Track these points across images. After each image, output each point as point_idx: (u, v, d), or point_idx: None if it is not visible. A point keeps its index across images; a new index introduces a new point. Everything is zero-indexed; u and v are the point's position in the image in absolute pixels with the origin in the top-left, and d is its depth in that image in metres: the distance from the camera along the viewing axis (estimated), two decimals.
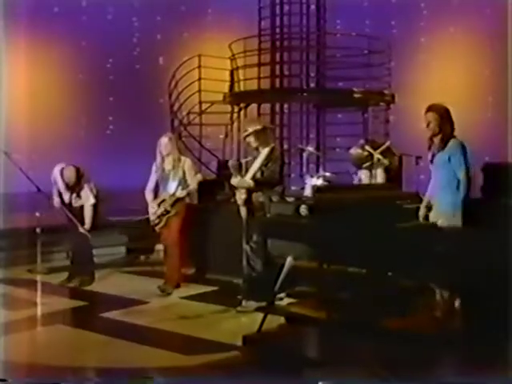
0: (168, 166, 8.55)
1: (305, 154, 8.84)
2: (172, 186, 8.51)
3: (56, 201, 9.00)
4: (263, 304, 7.49)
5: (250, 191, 7.52)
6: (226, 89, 13.70)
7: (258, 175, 7.54)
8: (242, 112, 13.20)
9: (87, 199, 8.95)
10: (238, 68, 13.40)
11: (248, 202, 7.50)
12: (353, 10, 14.93)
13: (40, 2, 13.78)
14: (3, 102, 12.62)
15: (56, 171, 9.07)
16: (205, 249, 9.39)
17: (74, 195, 8.98)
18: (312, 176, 8.63)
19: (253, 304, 7.59)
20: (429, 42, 14.95)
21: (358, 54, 13.25)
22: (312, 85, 13.65)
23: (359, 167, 8.76)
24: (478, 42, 14.51)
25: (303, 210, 5.85)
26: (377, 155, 7.87)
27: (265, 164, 7.55)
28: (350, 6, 14.85)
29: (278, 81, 13.66)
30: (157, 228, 8.61)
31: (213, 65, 13.29)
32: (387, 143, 8.13)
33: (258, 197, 7.51)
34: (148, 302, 8.05)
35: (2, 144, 10.58)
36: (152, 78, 15.12)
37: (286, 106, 13.88)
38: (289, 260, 6.31)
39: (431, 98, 14.46)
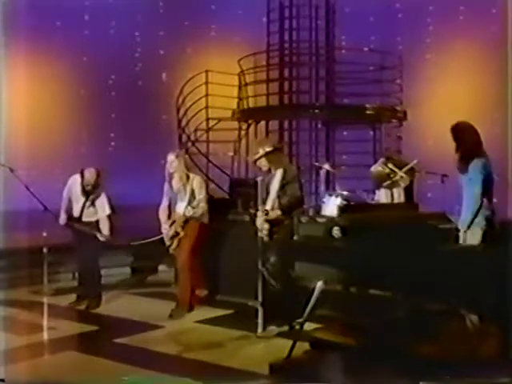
0: (176, 184, 8.12)
1: (321, 172, 8.45)
2: (181, 206, 8.06)
3: (62, 218, 8.53)
4: (284, 329, 7.18)
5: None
6: (234, 105, 13.33)
7: (277, 202, 7.19)
8: (250, 129, 12.83)
9: (103, 210, 8.45)
10: (246, 84, 13.03)
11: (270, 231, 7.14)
12: (358, 26, 14.60)
13: (42, 15, 13.39)
14: (3, 118, 12.22)
15: (72, 178, 8.60)
16: (217, 270, 8.95)
17: (88, 203, 8.43)
18: (331, 195, 8.20)
19: (274, 329, 7.20)
20: (435, 59, 14.61)
21: (367, 70, 12.91)
22: (321, 101, 13.27)
23: (379, 185, 8.38)
24: (484, 58, 14.17)
25: (336, 231, 5.46)
26: (401, 173, 7.50)
27: (281, 187, 7.19)
28: (355, 21, 14.55)
29: (286, 97, 13.31)
30: (170, 250, 8.21)
31: (220, 81, 12.93)
32: (414, 162, 7.76)
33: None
34: (163, 326, 7.61)
35: (1, 160, 10.23)
36: (155, 94, 14.78)
37: (293, 122, 13.49)
38: (319, 285, 5.94)
39: (437, 115, 14.27)
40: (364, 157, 11.85)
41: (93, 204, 8.46)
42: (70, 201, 8.57)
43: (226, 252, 8.87)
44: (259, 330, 7.20)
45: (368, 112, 12.48)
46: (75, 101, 14.45)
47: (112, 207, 8.50)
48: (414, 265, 5.41)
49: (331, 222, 5.62)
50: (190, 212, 7.98)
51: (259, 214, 7.18)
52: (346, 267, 5.56)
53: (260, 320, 7.23)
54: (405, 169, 7.57)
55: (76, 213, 8.51)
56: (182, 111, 13.11)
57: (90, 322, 7.84)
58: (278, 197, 7.20)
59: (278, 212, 7.11)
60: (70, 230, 8.57)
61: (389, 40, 14.03)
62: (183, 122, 13.09)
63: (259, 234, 7.28)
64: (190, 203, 7.98)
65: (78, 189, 8.48)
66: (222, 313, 8.21)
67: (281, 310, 7.20)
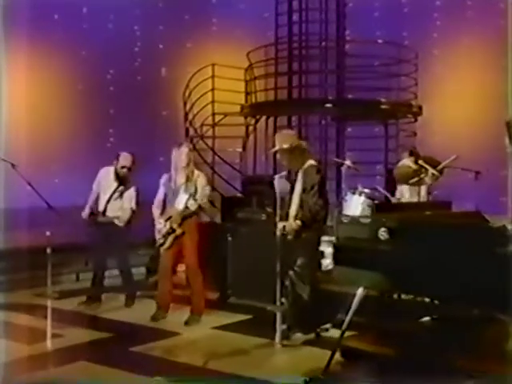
0: (181, 179, 7.32)
1: (342, 169, 7.85)
2: (181, 202, 7.26)
3: (86, 212, 8.04)
4: (311, 337, 6.61)
5: None
6: (240, 100, 12.67)
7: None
8: (258, 124, 12.18)
9: (129, 202, 7.94)
10: (255, 78, 12.34)
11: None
12: (362, 21, 13.94)
13: (39, 8, 12.66)
14: (2, 112, 11.53)
15: (104, 168, 8.17)
16: (232, 272, 8.34)
17: (116, 195, 7.92)
18: (353, 193, 7.64)
19: (300, 337, 6.57)
20: (442, 54, 13.96)
21: (381, 64, 12.24)
22: (331, 96, 12.56)
23: (404, 182, 7.77)
24: (494, 54, 13.54)
25: (383, 233, 4.84)
26: (433, 171, 6.90)
27: (303, 190, 6.55)
28: (359, 16, 13.90)
29: (296, 92, 12.64)
30: (161, 249, 7.37)
31: (226, 75, 12.27)
32: (452, 158, 7.17)
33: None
34: (179, 332, 6.97)
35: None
36: (154, 89, 14.07)
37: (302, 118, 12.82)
38: (360, 292, 5.32)
39: (443, 111, 13.65)
40: (375, 154, 11.25)
41: (121, 196, 7.95)
42: (97, 196, 8.14)
43: (240, 253, 8.25)
44: (277, 336, 6.56)
45: (383, 107, 11.79)
46: (73, 96, 13.76)
47: (138, 203, 7.96)
48: (468, 268, 4.81)
49: (377, 222, 4.99)
50: (193, 205, 7.21)
51: (279, 226, 6.53)
52: (393, 272, 4.93)
53: (278, 326, 6.60)
54: (441, 165, 6.98)
55: (101, 206, 8.02)
56: (188, 105, 12.41)
57: (102, 328, 7.17)
58: (301, 202, 6.55)
59: (299, 223, 6.48)
60: (92, 226, 8.07)
61: (395, 35, 13.33)
62: (189, 117, 12.37)
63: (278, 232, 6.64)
64: (190, 199, 7.21)
65: (110, 177, 8.00)
66: (240, 318, 7.56)
67: (306, 316, 6.59)
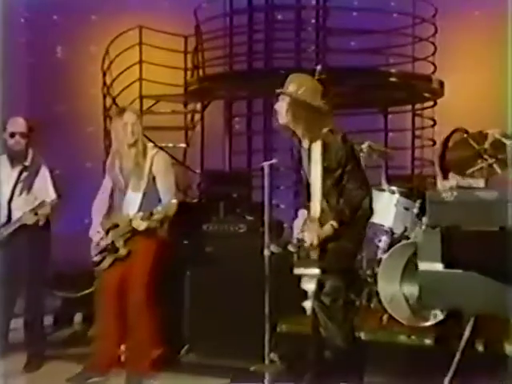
0: (128, 163, 5.84)
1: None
2: (132, 203, 5.85)
3: None
4: None
5: None
6: (176, 79, 11.33)
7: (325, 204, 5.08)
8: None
9: (45, 191, 6.28)
10: (202, 44, 10.84)
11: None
12: None
13: None
14: None
15: None
16: (190, 317, 6.81)
17: (20, 186, 6.28)
18: (381, 190, 6.42)
19: None
20: (449, 26, 12.71)
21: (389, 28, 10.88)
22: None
23: (460, 174, 6.21)
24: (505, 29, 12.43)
25: None
26: None
27: (325, 170, 5.03)
28: None
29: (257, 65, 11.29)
30: (97, 269, 6.04)
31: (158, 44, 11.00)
32: None
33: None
34: None
35: None
36: (46, 75, 12.56)
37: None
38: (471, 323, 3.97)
39: (447, 93, 12.34)
40: None
41: (30, 186, 6.33)
42: None
43: (205, 286, 6.74)
44: None
45: (392, 79, 10.07)
46: None
47: (58, 191, 6.25)
48: None
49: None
50: (158, 214, 5.62)
51: (298, 237, 5.17)
52: None
53: None
54: None
55: (3, 214, 6.39)
56: (108, 79, 11.03)
57: None
58: (325, 195, 5.06)
59: (335, 224, 4.96)
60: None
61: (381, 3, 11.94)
62: (111, 92, 10.95)
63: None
64: (147, 197, 5.80)
65: (6, 168, 6.41)
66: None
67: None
